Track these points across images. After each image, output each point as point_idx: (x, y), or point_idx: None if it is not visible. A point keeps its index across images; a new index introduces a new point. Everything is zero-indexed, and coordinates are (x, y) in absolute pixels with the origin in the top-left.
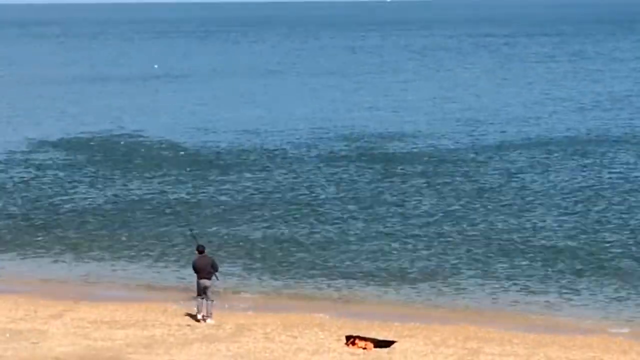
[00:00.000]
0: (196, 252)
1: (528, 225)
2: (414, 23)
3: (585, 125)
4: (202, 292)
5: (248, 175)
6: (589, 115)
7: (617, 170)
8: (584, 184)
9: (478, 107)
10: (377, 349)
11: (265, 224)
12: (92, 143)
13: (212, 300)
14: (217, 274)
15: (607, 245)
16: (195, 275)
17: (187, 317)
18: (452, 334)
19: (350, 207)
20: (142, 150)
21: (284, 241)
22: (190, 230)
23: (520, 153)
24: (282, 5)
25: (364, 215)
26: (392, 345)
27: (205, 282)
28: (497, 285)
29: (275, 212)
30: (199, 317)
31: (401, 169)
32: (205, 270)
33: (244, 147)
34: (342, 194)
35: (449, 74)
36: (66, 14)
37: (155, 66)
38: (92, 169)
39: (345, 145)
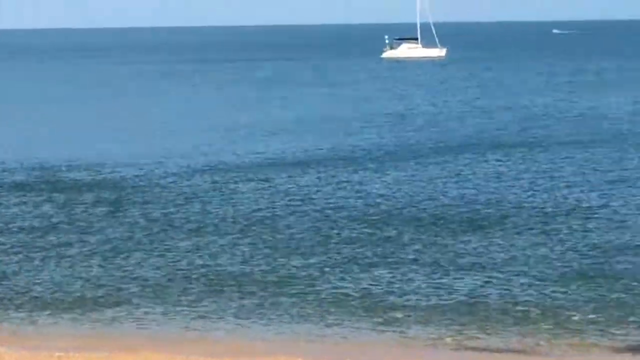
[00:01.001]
0: None
1: (209, 250)
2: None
3: (268, 150)
4: None
5: None
6: (271, 140)
7: (299, 193)
8: (262, 208)
9: (162, 135)
10: None
11: None
12: None
13: None
14: None
15: (283, 267)
16: None
17: None
18: None
19: (24, 237)
20: None
21: None
22: None
23: (203, 179)
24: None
25: (40, 245)
26: None
27: None
28: (179, 311)
29: None
30: None
31: (84, 198)
32: None
33: None
34: (17, 225)
35: (130, 102)
36: None
37: None
38: None
39: (25, 175)
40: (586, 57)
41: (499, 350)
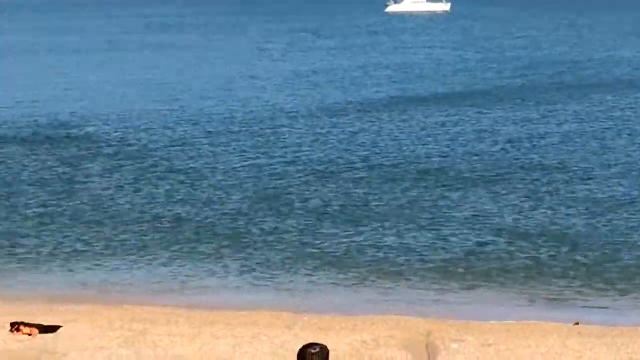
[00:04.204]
0: None
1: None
2: None
3: (280, 101)
4: None
5: None
6: (282, 92)
7: (294, 144)
8: (261, 158)
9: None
10: (43, 335)
11: None
12: None
13: None
14: None
15: (275, 222)
16: None
17: None
18: (117, 316)
19: (35, 192)
20: None
21: None
22: None
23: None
24: None
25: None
26: (58, 331)
27: None
28: (160, 266)
29: None
30: None
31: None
32: None
33: None
34: (27, 180)
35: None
36: None
37: None
38: None
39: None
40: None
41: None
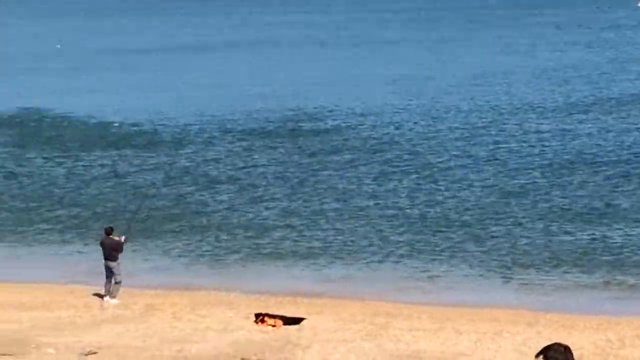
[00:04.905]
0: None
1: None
2: None
3: (524, 95)
4: (107, 273)
5: (186, 151)
6: (528, 85)
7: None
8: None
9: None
10: (287, 326)
11: (182, 203)
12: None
13: (118, 282)
14: (125, 238)
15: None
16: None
17: (95, 298)
18: (360, 310)
19: (279, 185)
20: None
21: (196, 219)
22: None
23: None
24: None
25: (286, 194)
26: (301, 322)
27: (108, 263)
28: (400, 261)
29: (197, 188)
30: (105, 299)
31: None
32: (108, 251)
33: (180, 125)
34: (272, 172)
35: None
36: None
37: (58, 46)
38: (20, 151)
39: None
40: None
41: None
